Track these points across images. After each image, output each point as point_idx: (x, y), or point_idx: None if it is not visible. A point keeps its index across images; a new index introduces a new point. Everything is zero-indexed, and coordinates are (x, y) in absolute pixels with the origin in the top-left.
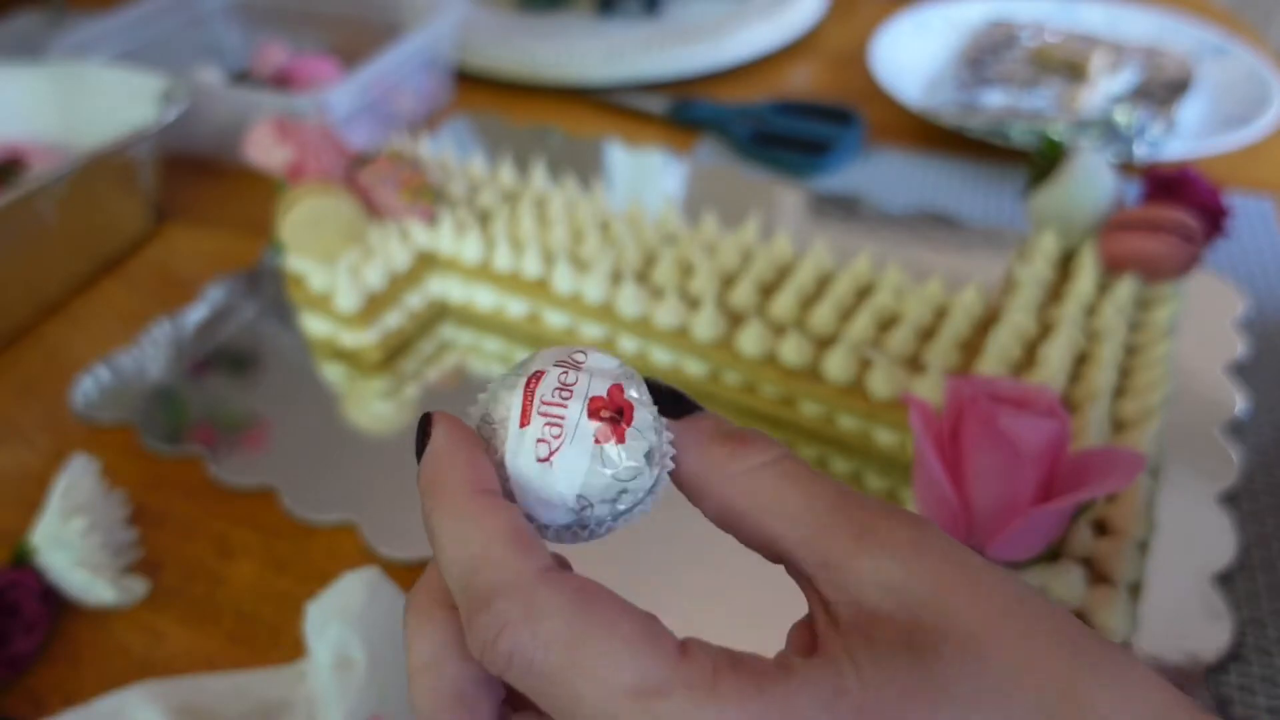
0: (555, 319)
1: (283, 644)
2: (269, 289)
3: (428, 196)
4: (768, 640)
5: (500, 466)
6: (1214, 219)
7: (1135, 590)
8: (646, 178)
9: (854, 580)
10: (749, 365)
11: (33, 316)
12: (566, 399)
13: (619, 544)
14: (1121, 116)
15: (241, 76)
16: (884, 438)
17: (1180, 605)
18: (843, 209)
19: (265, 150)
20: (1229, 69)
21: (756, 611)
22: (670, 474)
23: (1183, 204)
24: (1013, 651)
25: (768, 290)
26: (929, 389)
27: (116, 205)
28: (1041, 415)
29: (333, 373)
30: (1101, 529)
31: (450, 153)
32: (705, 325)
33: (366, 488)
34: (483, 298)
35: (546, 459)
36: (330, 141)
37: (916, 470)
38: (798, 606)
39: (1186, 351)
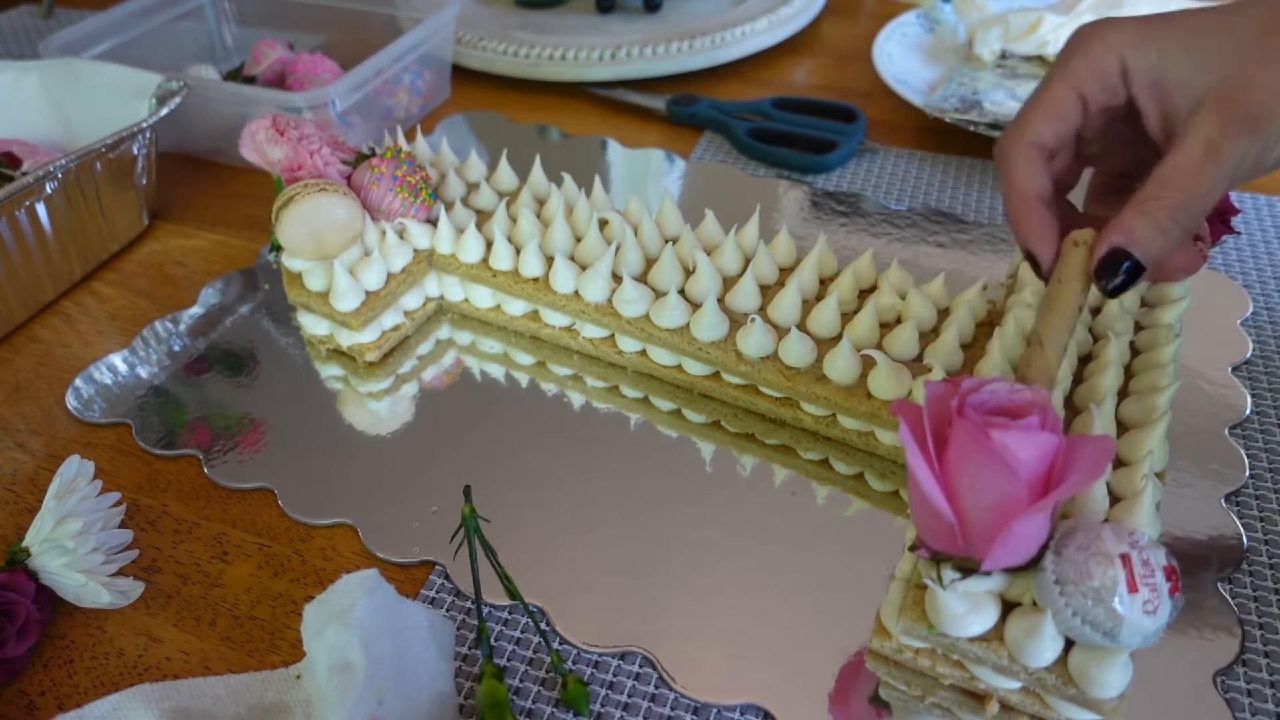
0: (554, 319)
1: (280, 647)
2: (265, 288)
3: (425, 195)
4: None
5: None
6: (1222, 217)
7: None
8: (646, 176)
9: None
10: (750, 365)
11: (26, 316)
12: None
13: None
14: None
15: (237, 74)
16: (887, 438)
17: (1187, 607)
18: (845, 207)
19: (261, 148)
20: None
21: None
22: None
23: None
24: None
25: (769, 290)
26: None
27: (111, 203)
28: (1034, 427)
29: (330, 372)
30: None
31: (448, 151)
32: (706, 325)
33: (364, 489)
34: (481, 297)
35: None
36: (327, 140)
37: (910, 483)
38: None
39: (1194, 352)
